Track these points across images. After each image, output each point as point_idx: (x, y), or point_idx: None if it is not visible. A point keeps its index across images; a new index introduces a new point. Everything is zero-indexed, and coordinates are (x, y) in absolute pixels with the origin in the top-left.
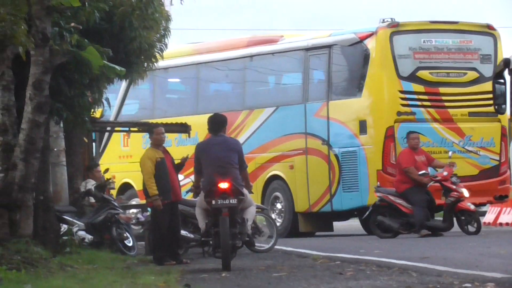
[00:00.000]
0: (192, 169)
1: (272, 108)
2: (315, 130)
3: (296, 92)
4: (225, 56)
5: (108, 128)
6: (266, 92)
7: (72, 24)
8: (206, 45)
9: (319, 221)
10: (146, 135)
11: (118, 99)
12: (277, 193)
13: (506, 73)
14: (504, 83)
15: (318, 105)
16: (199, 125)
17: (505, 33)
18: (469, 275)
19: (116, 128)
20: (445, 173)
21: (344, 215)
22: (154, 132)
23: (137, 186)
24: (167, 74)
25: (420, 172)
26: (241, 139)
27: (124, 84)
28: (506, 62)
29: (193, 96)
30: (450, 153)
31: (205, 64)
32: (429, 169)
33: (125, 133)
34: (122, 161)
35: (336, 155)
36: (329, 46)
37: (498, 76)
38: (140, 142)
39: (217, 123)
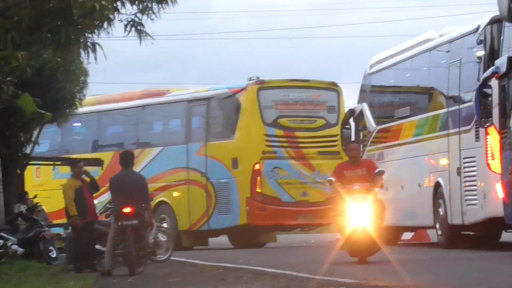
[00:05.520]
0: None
1: (160, 147)
2: (196, 165)
3: (180, 135)
4: (122, 106)
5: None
6: (155, 135)
7: (9, 78)
8: (106, 96)
9: (198, 238)
10: (55, 169)
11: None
12: (164, 215)
13: (351, 120)
14: (350, 129)
15: (198, 145)
16: None
17: (346, 88)
18: (326, 280)
19: (42, 162)
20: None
21: (216, 232)
22: (77, 166)
23: (47, 209)
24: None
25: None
26: None
27: None
28: (351, 111)
29: (95, 137)
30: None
31: (105, 112)
32: None
33: (37, 166)
34: (35, 189)
35: (213, 185)
36: (207, 99)
37: (345, 122)
38: (50, 174)
39: (127, 159)
